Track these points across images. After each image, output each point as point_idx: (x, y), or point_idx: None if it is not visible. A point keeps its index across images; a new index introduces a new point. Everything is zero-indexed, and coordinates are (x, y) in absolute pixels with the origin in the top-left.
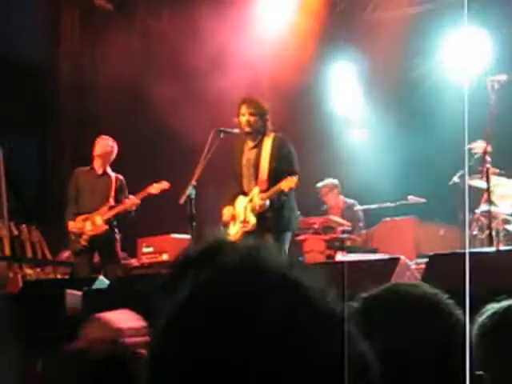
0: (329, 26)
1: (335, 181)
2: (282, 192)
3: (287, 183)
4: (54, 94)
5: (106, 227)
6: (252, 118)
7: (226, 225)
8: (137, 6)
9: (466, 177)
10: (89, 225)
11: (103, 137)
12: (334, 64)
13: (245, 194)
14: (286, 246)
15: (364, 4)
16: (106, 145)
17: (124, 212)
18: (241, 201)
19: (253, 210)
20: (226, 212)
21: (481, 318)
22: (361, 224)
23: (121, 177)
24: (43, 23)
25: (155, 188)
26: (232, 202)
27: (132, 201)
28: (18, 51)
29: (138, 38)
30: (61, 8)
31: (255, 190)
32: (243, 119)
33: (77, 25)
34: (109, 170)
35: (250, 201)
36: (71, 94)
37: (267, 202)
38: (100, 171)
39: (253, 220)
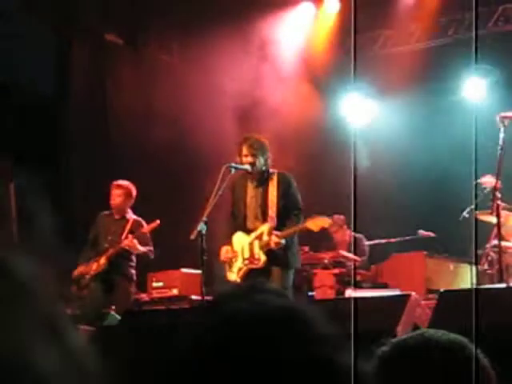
0: (338, 61)
1: (342, 217)
2: (307, 231)
3: (317, 223)
4: (65, 128)
5: (106, 265)
6: (254, 159)
7: (227, 262)
8: (147, 41)
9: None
10: (94, 266)
11: (118, 184)
12: (344, 97)
13: (246, 231)
14: (291, 282)
15: (373, 40)
16: (116, 196)
17: (124, 251)
18: (240, 238)
19: (262, 248)
20: (225, 252)
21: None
22: (364, 257)
23: (139, 219)
24: (55, 58)
25: (146, 228)
26: (228, 239)
27: (128, 242)
28: (30, 86)
29: (148, 71)
30: (72, 43)
31: (264, 228)
32: (245, 160)
33: (88, 59)
34: (129, 212)
35: (258, 238)
36: (83, 128)
37: (283, 241)
38: (117, 216)
39: (263, 257)
